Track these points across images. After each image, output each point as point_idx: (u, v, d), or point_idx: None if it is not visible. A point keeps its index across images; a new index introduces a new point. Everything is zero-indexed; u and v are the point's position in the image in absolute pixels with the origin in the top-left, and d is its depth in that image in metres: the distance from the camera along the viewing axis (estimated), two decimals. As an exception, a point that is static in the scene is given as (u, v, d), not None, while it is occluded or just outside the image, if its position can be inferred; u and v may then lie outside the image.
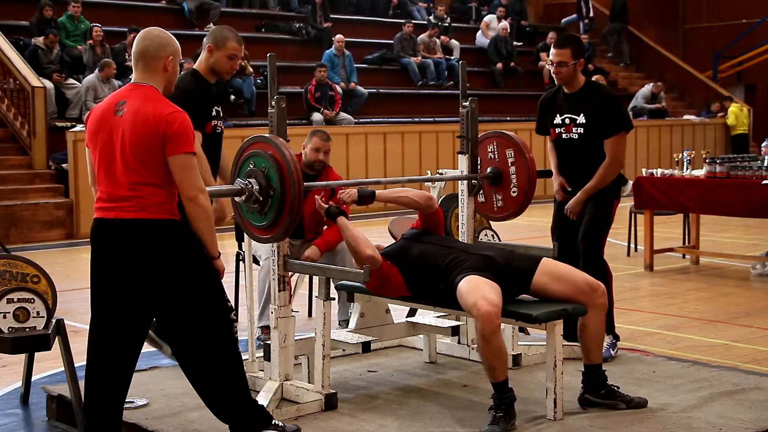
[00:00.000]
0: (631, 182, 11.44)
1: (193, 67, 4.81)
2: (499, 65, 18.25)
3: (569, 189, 5.30)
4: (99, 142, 3.55)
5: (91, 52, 13.18)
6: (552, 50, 5.22)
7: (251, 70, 14.21)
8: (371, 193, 4.46)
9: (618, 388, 4.31)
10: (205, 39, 4.79)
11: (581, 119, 5.18)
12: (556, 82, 5.24)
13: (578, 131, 5.19)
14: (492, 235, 5.73)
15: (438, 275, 4.23)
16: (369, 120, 15.34)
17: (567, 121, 5.23)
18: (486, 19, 19.40)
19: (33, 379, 4.84)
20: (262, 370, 4.56)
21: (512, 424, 3.97)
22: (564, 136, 5.26)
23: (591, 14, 21.47)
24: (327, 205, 4.47)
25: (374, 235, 5.33)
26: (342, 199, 4.43)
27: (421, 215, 4.57)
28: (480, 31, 19.28)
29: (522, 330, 5.42)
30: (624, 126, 5.23)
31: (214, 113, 4.77)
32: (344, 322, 5.63)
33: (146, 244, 3.49)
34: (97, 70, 12.56)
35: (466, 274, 4.09)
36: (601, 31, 21.46)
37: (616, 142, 5.17)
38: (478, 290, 3.98)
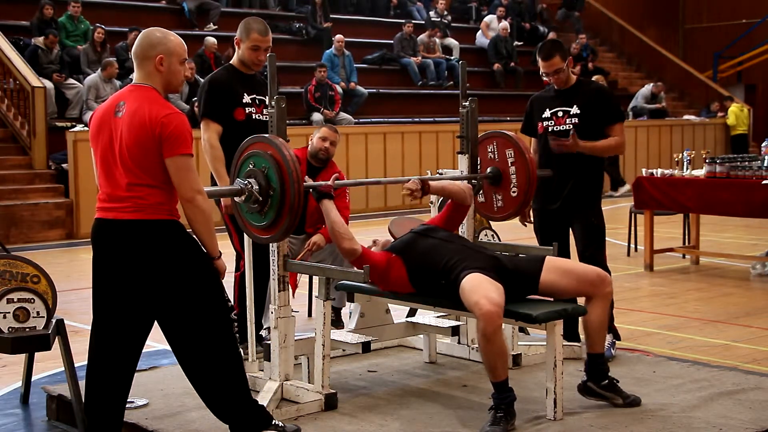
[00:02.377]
0: (628, 185, 11.42)
1: (230, 61, 5.22)
2: (499, 65, 18.27)
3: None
4: (100, 142, 3.56)
5: (91, 51, 13.19)
6: (542, 63, 5.25)
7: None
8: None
9: (618, 382, 4.33)
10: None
11: (575, 110, 5.24)
12: (556, 87, 5.30)
13: (572, 122, 5.24)
14: (492, 235, 5.74)
15: (441, 270, 4.21)
16: (369, 120, 15.34)
17: (560, 113, 5.27)
18: (486, 19, 19.39)
19: (33, 379, 4.84)
20: (262, 370, 4.56)
21: (512, 424, 3.97)
22: (553, 129, 5.30)
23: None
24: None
25: (374, 235, 5.34)
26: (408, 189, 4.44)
27: (451, 209, 4.60)
28: (480, 31, 19.29)
29: (522, 330, 5.42)
30: (623, 116, 5.44)
31: (248, 101, 5.07)
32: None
33: (144, 245, 3.49)
34: (99, 69, 12.57)
35: (471, 272, 4.07)
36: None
37: (621, 129, 5.32)
38: (481, 289, 3.97)
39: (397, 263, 4.35)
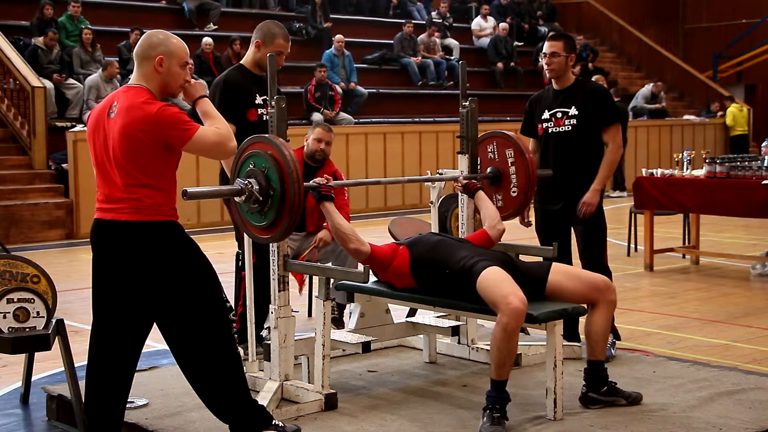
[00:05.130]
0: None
1: (241, 61, 5.20)
2: (499, 65, 18.28)
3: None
4: (96, 143, 3.56)
5: (82, 52, 13.18)
6: (546, 43, 5.34)
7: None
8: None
9: (616, 384, 4.33)
10: (253, 34, 5.09)
11: (573, 111, 5.26)
12: (548, 74, 5.36)
13: (571, 123, 5.26)
14: (492, 235, 5.73)
15: (448, 261, 4.20)
16: (369, 120, 15.34)
17: (559, 114, 5.29)
18: (473, 24, 19.37)
19: (33, 379, 4.84)
20: (262, 370, 4.56)
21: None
22: (553, 130, 5.31)
23: None
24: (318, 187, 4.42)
25: (374, 235, 5.35)
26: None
27: (483, 235, 4.64)
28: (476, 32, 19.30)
29: (522, 330, 5.41)
30: (619, 117, 5.41)
31: (259, 101, 5.08)
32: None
33: (142, 247, 3.49)
34: (100, 69, 12.57)
35: (490, 264, 4.07)
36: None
37: (616, 131, 5.32)
38: (508, 283, 3.96)
39: (403, 253, 4.37)
